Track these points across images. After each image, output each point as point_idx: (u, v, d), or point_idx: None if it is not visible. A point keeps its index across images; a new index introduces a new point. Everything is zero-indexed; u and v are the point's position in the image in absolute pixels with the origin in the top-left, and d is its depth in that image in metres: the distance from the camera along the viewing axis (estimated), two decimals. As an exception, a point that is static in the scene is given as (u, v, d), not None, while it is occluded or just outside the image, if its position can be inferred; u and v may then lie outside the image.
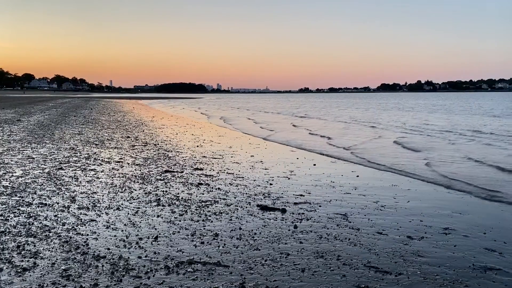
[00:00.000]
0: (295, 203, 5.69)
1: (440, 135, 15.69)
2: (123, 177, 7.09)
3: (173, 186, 6.48)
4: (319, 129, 18.70)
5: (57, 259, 3.65)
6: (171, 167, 8.06)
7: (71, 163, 8.16)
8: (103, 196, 5.80)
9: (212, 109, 40.51)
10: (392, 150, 11.58)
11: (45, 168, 7.60)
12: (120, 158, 8.97)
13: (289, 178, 7.36)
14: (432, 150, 11.33)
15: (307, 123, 22.53)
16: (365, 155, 10.52)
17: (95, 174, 7.25)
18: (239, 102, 71.65)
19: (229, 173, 7.64)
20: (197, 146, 11.46)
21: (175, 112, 34.37)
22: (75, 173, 7.26)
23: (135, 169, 7.77)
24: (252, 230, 4.55)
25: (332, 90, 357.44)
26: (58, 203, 5.35)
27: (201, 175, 7.37)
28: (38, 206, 5.19)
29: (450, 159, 9.88)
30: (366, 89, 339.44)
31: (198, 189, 6.33)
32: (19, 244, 3.96)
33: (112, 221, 4.72)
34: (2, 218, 4.71)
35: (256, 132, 16.75)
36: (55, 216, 4.84)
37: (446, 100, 77.48)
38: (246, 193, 6.18)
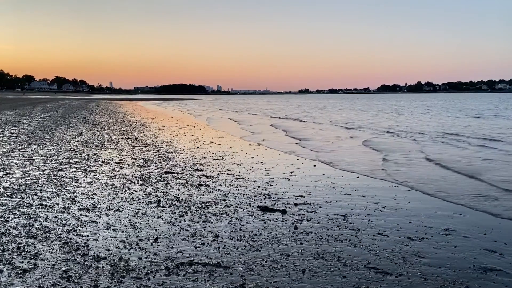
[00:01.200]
0: (295, 204, 5.69)
1: (411, 136, 15.68)
2: (123, 178, 7.09)
3: (173, 187, 6.48)
4: (296, 130, 18.76)
5: (57, 260, 3.65)
6: (171, 168, 8.06)
7: (71, 165, 8.16)
8: (103, 197, 5.80)
9: (200, 110, 40.62)
10: (358, 151, 11.64)
11: (45, 169, 7.60)
12: (120, 159, 8.97)
13: (289, 179, 7.36)
14: (394, 152, 11.28)
15: (287, 124, 22.69)
16: (327, 154, 10.63)
17: (95, 175, 7.26)
18: (232, 103, 71.63)
19: (229, 174, 7.64)
20: (197, 147, 11.46)
21: (166, 111, 34.45)
22: (75, 174, 7.27)
23: (135, 170, 7.78)
24: (252, 231, 4.55)
25: (332, 91, 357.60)
26: (58, 204, 5.35)
27: (201, 176, 7.37)
28: (38, 207, 5.19)
29: (406, 160, 9.86)
30: (366, 90, 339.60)
31: (198, 190, 6.33)
32: (19, 245, 3.96)
33: (112, 222, 4.72)
34: (3, 219, 4.71)
35: (237, 133, 17.00)
36: (55, 217, 4.84)
37: (444, 101, 77.73)
38: (246, 194, 6.18)
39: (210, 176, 7.40)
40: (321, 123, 23.70)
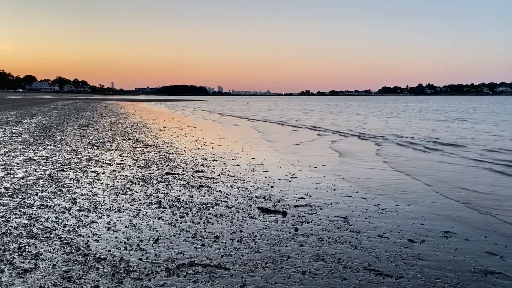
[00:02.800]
0: (296, 206, 5.69)
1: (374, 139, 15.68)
2: (124, 179, 7.10)
3: (174, 188, 6.48)
4: (270, 132, 18.85)
5: (58, 260, 3.65)
6: (172, 169, 8.07)
7: (72, 165, 8.17)
8: (104, 198, 5.81)
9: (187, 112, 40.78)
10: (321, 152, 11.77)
11: (47, 169, 7.61)
12: (121, 160, 8.98)
13: (289, 181, 7.37)
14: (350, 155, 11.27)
15: (264, 126, 22.81)
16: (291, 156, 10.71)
17: (96, 176, 7.27)
18: (228, 105, 71.73)
19: (230, 176, 7.65)
20: (198, 148, 11.47)
21: (160, 110, 34.56)
22: (76, 174, 7.28)
23: (136, 171, 7.79)
24: (253, 233, 4.55)
25: (333, 93, 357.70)
26: (59, 205, 5.36)
27: (202, 177, 7.38)
28: (39, 208, 5.20)
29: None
30: (367, 92, 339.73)
31: (199, 191, 6.33)
32: (20, 245, 3.96)
33: (113, 223, 4.73)
34: (4, 219, 4.72)
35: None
36: (56, 217, 4.85)
37: (443, 103, 77.91)
38: (247, 196, 6.18)
39: (211, 177, 7.41)
40: (299, 126, 23.15)
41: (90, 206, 5.38)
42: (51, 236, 4.25)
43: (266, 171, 8.22)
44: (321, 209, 5.59)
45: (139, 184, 6.75)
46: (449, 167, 9.32)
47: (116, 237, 4.28)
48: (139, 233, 4.44)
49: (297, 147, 12.79)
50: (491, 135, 17.24)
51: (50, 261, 3.63)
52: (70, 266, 3.55)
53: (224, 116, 33.35)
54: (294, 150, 11.90)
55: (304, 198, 6.13)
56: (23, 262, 3.59)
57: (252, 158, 9.87)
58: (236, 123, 24.43)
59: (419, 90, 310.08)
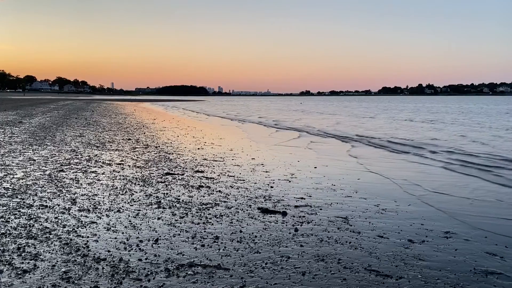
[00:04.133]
0: (296, 206, 5.68)
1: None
2: (124, 179, 7.09)
3: (174, 189, 6.47)
4: (249, 131, 18.88)
5: (57, 261, 3.65)
6: (172, 170, 8.06)
7: (72, 165, 8.17)
8: (104, 198, 5.80)
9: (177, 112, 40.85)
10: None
11: (46, 170, 7.60)
12: (121, 160, 8.98)
13: (289, 181, 7.36)
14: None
15: (245, 126, 22.89)
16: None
17: (96, 176, 7.26)
18: (222, 105, 71.86)
19: (230, 176, 7.64)
20: (198, 148, 11.46)
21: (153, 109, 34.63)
22: (76, 175, 7.27)
23: (136, 171, 7.78)
24: (252, 233, 4.54)
25: (333, 93, 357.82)
26: (59, 205, 5.35)
27: (202, 178, 7.37)
28: (39, 208, 5.19)
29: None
30: (368, 92, 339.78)
31: (199, 192, 6.32)
32: (19, 246, 3.96)
33: (113, 223, 4.72)
34: (3, 220, 4.71)
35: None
36: (56, 218, 4.84)
37: (439, 103, 78.08)
38: (247, 196, 6.17)
39: (211, 178, 7.40)
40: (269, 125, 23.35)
41: (90, 206, 5.37)
42: (51, 236, 4.24)
43: (266, 171, 8.21)
44: (321, 209, 5.58)
45: (138, 184, 6.74)
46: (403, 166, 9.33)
47: (115, 238, 4.27)
48: (138, 233, 4.43)
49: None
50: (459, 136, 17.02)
51: (50, 262, 3.62)
52: (69, 266, 3.54)
53: (211, 116, 33.31)
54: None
55: (304, 198, 6.13)
56: (22, 263, 3.58)
57: (252, 158, 9.86)
58: (223, 123, 24.44)
59: (419, 90, 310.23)
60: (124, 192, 6.19)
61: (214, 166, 8.59)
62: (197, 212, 5.27)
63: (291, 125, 23.09)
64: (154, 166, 8.37)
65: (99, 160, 8.95)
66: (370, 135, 17.23)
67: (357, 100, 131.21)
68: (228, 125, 22.75)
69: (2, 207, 5.20)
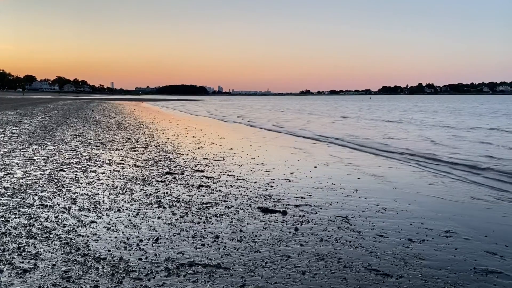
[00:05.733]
0: (296, 206, 5.68)
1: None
2: (124, 178, 7.09)
3: (174, 188, 6.47)
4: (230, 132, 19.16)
5: (57, 260, 3.65)
6: (172, 169, 8.06)
7: (72, 165, 8.17)
8: (104, 197, 5.80)
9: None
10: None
11: (46, 169, 7.60)
12: (121, 160, 8.98)
13: (290, 180, 7.36)
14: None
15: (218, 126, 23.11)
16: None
17: (96, 175, 7.26)
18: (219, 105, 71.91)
19: (230, 175, 7.64)
20: (198, 148, 11.46)
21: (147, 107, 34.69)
22: (76, 174, 7.27)
23: (136, 171, 7.78)
24: (252, 232, 4.54)
25: (333, 92, 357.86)
26: (59, 205, 5.35)
27: (202, 177, 7.37)
28: (39, 208, 5.19)
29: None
30: (368, 92, 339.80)
31: (199, 191, 6.33)
32: (19, 245, 3.96)
33: (113, 223, 4.72)
34: (3, 219, 4.71)
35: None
36: (56, 217, 4.84)
37: (434, 102, 78.05)
38: (247, 195, 6.17)
39: (211, 177, 7.40)
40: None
41: (90, 206, 5.37)
42: (51, 236, 4.24)
43: (266, 171, 8.21)
44: (321, 208, 5.58)
45: (138, 183, 6.74)
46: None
47: (115, 237, 4.27)
48: (138, 233, 4.43)
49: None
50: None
51: (50, 261, 3.62)
52: (69, 266, 3.54)
53: (195, 115, 33.40)
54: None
55: (304, 198, 6.13)
56: (23, 262, 3.59)
57: (252, 158, 9.86)
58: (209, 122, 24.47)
59: (419, 90, 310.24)
60: (124, 191, 6.19)
61: (214, 166, 8.59)
62: (197, 211, 5.27)
63: (260, 124, 23.60)
64: (154, 166, 8.37)
65: (99, 159, 8.95)
66: (324, 132, 18.41)
67: (353, 99, 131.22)
68: (200, 121, 22.81)
69: (2, 206, 5.20)
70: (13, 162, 8.26)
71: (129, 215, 5.02)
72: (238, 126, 21.90)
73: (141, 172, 7.71)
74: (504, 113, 36.49)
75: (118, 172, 7.65)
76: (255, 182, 7.10)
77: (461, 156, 10.69)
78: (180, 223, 4.80)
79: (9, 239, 4.12)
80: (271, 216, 5.20)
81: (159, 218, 4.95)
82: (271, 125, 22.76)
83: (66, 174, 7.28)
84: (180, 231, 4.52)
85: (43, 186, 6.32)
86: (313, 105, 65.91)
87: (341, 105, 67.93)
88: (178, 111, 40.17)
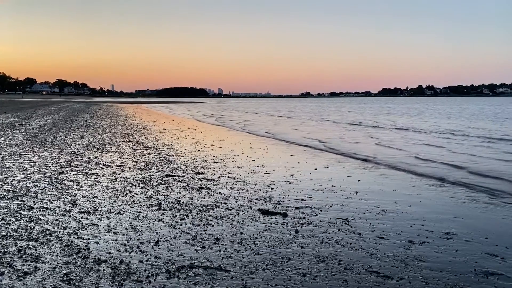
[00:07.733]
0: (296, 208, 5.68)
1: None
2: (124, 181, 7.09)
3: (174, 190, 6.48)
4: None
5: (58, 263, 3.65)
6: (172, 171, 8.06)
7: (72, 167, 8.17)
8: (104, 200, 5.81)
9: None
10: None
11: (47, 172, 7.61)
12: (121, 162, 8.98)
13: (290, 182, 7.36)
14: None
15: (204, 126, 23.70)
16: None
17: (97, 178, 7.26)
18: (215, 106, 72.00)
19: (230, 177, 7.64)
20: (198, 150, 11.47)
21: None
22: (76, 177, 7.27)
23: (136, 173, 7.78)
24: (253, 235, 4.54)
25: (333, 94, 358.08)
26: (59, 207, 5.35)
27: (202, 179, 7.38)
28: (40, 210, 5.20)
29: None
30: (367, 94, 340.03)
31: (199, 193, 6.33)
32: (20, 248, 3.96)
33: (113, 225, 4.72)
34: (4, 222, 4.72)
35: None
36: (57, 220, 4.84)
37: (429, 104, 78.21)
38: (247, 198, 6.17)
39: (211, 179, 7.40)
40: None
41: (90, 208, 5.37)
42: (51, 238, 4.24)
43: (267, 173, 8.21)
44: (321, 210, 5.58)
45: (139, 186, 6.74)
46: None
47: (116, 240, 4.27)
48: (139, 235, 4.43)
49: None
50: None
51: (50, 264, 3.62)
52: (70, 268, 3.54)
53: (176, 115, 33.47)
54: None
55: (305, 200, 6.13)
56: (23, 265, 3.59)
57: (253, 160, 9.86)
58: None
59: (419, 92, 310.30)
60: (124, 194, 6.19)
61: (214, 168, 8.59)
62: (197, 213, 5.27)
63: (230, 124, 25.13)
64: (154, 168, 8.38)
65: (100, 162, 8.96)
66: (282, 132, 19.70)
67: (349, 101, 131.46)
68: (172, 119, 22.84)
69: (3, 209, 5.20)
70: (13, 164, 8.26)
71: (129, 218, 5.02)
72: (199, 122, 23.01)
73: (141, 174, 7.72)
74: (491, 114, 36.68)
75: (119, 174, 7.66)
76: (255, 184, 7.10)
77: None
78: (181, 225, 4.80)
79: (9, 241, 4.12)
80: (272, 218, 5.20)
81: (159, 220, 4.96)
82: (239, 126, 23.90)
83: (66, 176, 7.28)
84: (181, 233, 4.53)
85: (43, 188, 6.32)
86: (297, 107, 66.02)
87: (328, 107, 67.80)
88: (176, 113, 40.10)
